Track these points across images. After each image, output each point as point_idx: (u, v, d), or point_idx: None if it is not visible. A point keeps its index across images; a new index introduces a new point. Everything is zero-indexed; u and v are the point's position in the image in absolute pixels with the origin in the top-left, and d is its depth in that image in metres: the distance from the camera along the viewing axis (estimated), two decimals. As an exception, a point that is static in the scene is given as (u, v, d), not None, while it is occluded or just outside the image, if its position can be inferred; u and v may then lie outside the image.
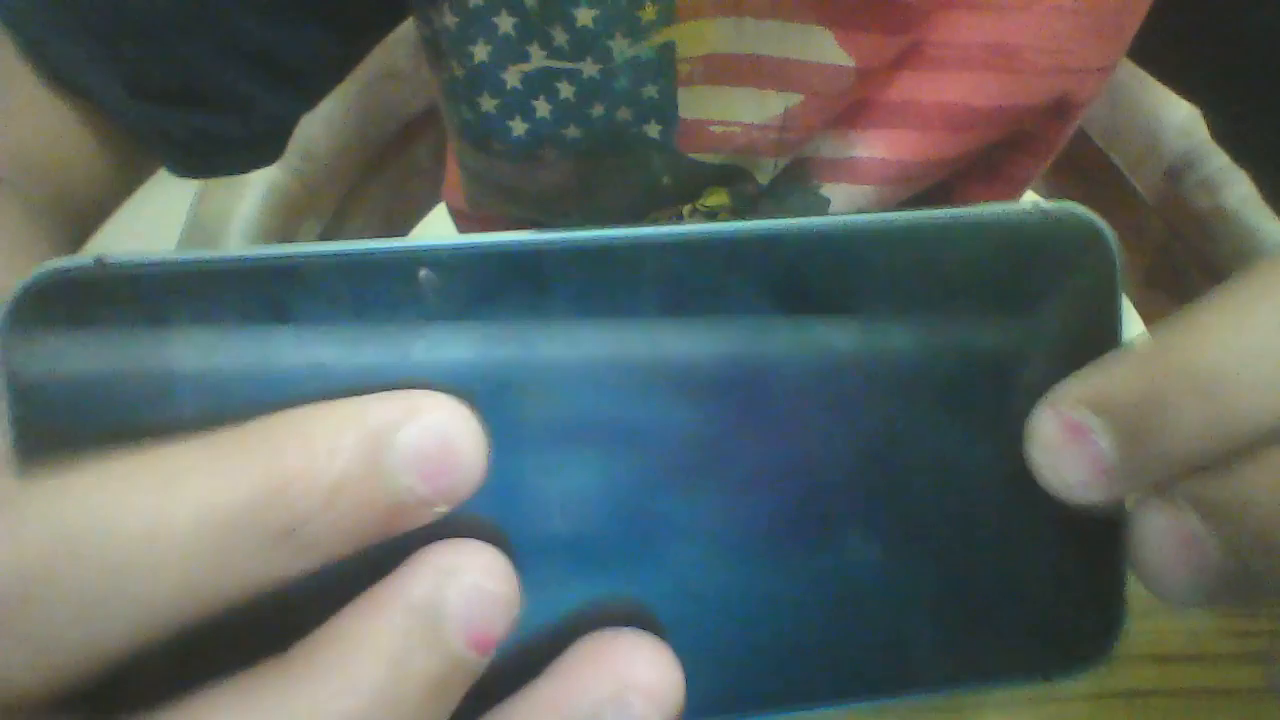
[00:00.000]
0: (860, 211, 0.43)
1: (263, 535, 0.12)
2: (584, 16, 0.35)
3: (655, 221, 0.45)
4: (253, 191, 0.57)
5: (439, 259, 0.14)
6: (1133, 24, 0.38)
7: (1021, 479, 0.16)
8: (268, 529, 0.12)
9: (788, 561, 0.16)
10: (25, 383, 0.13)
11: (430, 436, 0.13)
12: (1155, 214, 0.58)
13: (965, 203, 0.46)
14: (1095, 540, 0.16)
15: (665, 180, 0.41)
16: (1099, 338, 0.16)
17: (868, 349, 0.15)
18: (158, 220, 0.49)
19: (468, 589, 0.13)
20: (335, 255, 0.14)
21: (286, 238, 0.57)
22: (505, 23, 0.36)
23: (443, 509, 0.13)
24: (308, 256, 0.14)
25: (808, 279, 0.15)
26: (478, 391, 0.14)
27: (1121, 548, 0.16)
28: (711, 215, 0.44)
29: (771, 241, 0.15)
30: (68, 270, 0.13)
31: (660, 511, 0.15)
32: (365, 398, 0.13)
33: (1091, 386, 0.15)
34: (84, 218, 0.39)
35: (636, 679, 0.14)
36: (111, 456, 0.12)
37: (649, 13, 0.35)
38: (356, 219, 0.63)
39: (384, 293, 0.14)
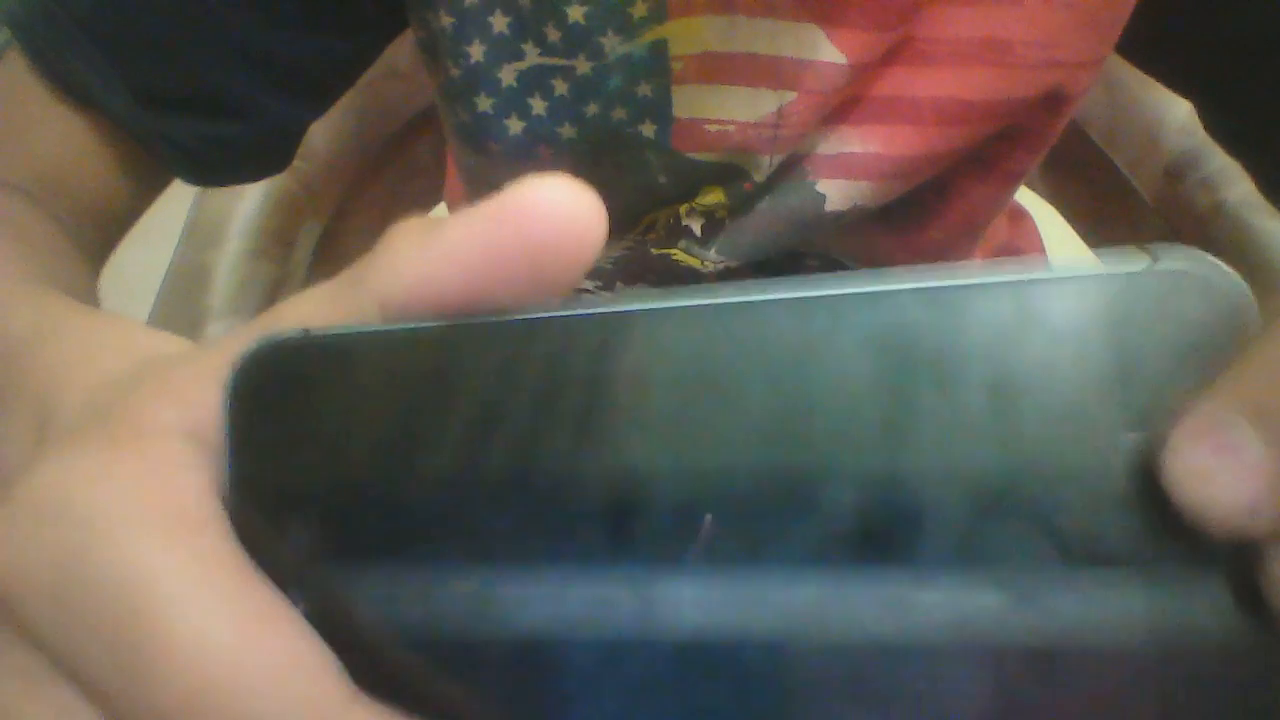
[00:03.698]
0: (857, 207, 0.43)
1: None
2: (575, 13, 0.35)
3: (654, 222, 0.45)
4: (252, 191, 0.57)
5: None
6: (1122, 16, 0.38)
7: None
8: None
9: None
10: (246, 444, 0.14)
11: None
12: (1155, 214, 0.58)
13: (961, 196, 0.46)
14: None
15: (662, 179, 0.41)
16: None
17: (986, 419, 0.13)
18: (158, 220, 0.50)
19: None
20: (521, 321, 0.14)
21: (286, 238, 0.58)
22: (500, 22, 0.36)
23: None
24: (495, 323, 0.14)
25: (907, 342, 0.13)
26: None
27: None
28: (708, 213, 0.44)
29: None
30: (280, 340, 0.14)
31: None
32: None
33: (1232, 396, 0.13)
34: (105, 229, 0.39)
35: None
36: None
37: (639, 10, 0.35)
38: (356, 219, 0.63)
39: (590, 362, 0.14)
